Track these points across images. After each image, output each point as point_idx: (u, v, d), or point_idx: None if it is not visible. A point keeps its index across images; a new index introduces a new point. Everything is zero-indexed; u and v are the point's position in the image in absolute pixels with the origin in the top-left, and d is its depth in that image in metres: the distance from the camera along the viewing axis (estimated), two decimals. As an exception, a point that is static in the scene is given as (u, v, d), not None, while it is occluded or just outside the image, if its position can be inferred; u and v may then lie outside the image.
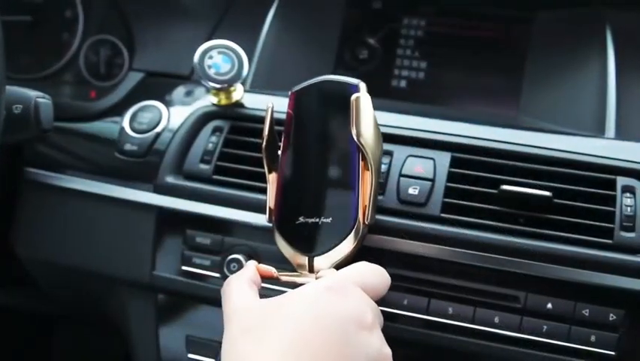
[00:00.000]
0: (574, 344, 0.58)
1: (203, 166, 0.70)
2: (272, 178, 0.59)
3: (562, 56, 0.76)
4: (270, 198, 0.59)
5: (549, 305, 0.59)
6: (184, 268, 0.68)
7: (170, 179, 0.70)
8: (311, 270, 0.55)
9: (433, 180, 0.63)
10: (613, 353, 0.58)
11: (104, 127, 0.77)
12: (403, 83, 0.81)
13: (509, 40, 0.79)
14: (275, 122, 0.59)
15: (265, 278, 0.54)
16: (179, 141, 0.71)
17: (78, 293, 0.86)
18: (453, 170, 0.64)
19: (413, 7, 0.82)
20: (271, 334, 0.44)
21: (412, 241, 0.62)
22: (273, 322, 0.45)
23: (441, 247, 0.61)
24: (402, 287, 0.62)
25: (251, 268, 0.55)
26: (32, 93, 0.58)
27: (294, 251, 0.56)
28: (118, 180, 0.73)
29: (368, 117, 0.56)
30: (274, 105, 0.59)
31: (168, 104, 0.76)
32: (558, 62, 0.76)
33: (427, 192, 0.63)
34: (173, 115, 0.74)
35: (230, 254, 0.66)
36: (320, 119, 0.59)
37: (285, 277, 0.55)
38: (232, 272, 0.63)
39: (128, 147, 0.73)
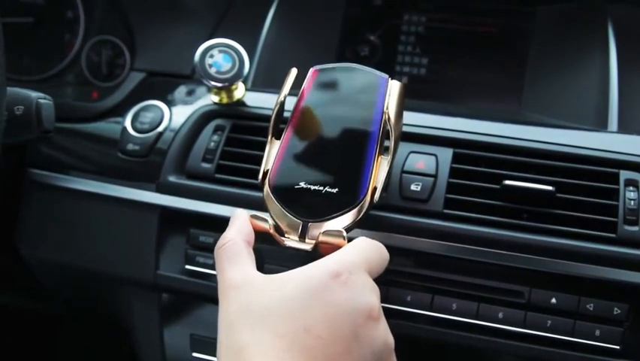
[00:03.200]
0: (578, 338, 0.58)
1: (205, 165, 0.70)
2: (274, 143, 0.58)
3: (563, 50, 0.76)
4: (267, 161, 0.57)
5: (553, 300, 0.59)
6: (188, 267, 0.68)
7: (172, 178, 0.70)
8: (302, 236, 0.52)
9: (435, 176, 0.63)
10: (618, 347, 0.58)
11: (106, 127, 0.78)
12: (405, 80, 0.81)
13: (511, 35, 0.79)
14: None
15: (258, 233, 0.52)
16: (181, 141, 0.71)
17: (82, 293, 0.87)
18: (455, 166, 0.64)
19: (413, 3, 0.82)
20: (273, 318, 0.42)
21: (414, 238, 0.61)
22: (277, 303, 0.42)
23: (444, 243, 0.61)
24: (405, 284, 0.62)
25: (245, 224, 0.50)
26: (34, 94, 0.58)
27: (287, 213, 0.53)
28: (120, 180, 0.73)
29: (400, 105, 0.57)
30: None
31: (170, 103, 0.76)
32: (560, 56, 0.76)
33: (429, 188, 0.63)
34: (175, 114, 0.74)
35: (234, 253, 0.66)
36: (341, 98, 0.58)
37: (279, 237, 0.52)
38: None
39: (130, 146, 0.73)
